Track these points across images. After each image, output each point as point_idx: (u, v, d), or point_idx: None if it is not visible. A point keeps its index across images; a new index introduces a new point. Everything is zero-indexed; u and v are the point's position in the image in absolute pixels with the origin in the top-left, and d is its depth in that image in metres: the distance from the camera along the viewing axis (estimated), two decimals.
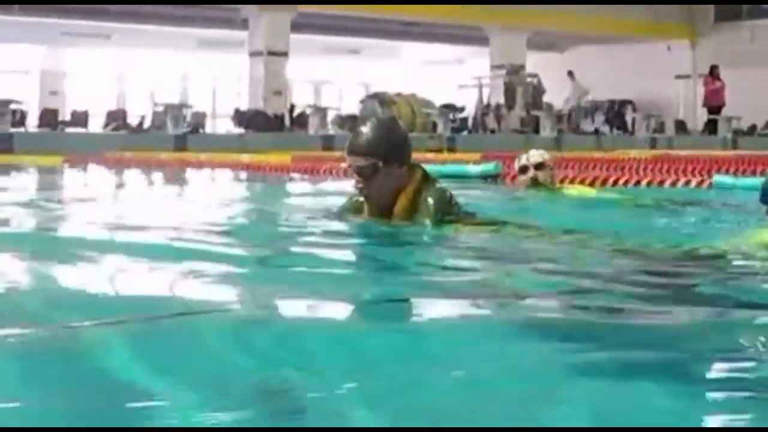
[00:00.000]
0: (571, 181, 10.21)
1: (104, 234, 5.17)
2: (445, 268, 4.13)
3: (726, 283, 3.76)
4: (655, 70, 36.63)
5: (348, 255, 4.60)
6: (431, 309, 3.13)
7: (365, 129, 5.09)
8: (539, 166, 7.53)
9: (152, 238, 4.89)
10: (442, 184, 5.25)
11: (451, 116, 28.55)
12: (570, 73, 33.66)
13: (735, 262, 4.15)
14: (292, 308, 3.06)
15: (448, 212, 5.05)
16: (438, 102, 30.33)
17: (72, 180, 13.30)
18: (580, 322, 2.96)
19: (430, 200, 5.01)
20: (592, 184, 9.94)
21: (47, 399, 2.07)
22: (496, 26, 32.94)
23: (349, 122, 27.12)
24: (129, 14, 30.49)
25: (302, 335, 2.67)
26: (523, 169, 7.51)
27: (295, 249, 4.63)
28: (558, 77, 34.11)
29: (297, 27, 29.45)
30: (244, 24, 29.87)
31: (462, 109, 31.66)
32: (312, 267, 3.99)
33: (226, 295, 3.27)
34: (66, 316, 2.84)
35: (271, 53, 28.67)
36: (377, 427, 2.02)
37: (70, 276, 3.61)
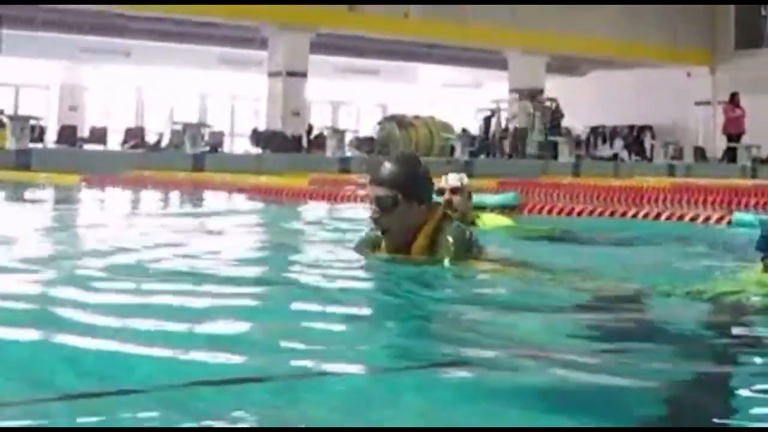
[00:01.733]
0: (590, 213, 10.18)
1: (119, 269, 5.10)
2: (463, 318, 4.06)
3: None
4: (675, 96, 36.58)
5: (363, 301, 4.50)
6: (449, 377, 3.05)
7: (390, 161, 5.08)
8: (455, 190, 7.46)
9: (161, 275, 4.85)
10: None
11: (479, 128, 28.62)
12: (520, 92, 32.76)
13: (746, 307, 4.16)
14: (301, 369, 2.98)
15: (468, 252, 5.01)
16: (456, 125, 30.32)
17: (88, 202, 13.28)
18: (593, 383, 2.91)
19: (450, 240, 4.96)
20: (612, 216, 9.90)
21: None
22: (516, 50, 32.92)
23: (367, 144, 27.15)
24: (148, 32, 30.56)
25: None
26: (440, 192, 7.43)
27: (309, 292, 4.55)
28: (578, 101, 34.13)
29: (316, 48, 29.47)
30: (263, 44, 29.91)
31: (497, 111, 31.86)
32: (326, 315, 3.92)
33: (228, 352, 3.18)
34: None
35: (290, 73, 28.69)
36: (378, 427, 1.98)
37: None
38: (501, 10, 31.69)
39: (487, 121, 32.25)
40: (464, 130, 30.03)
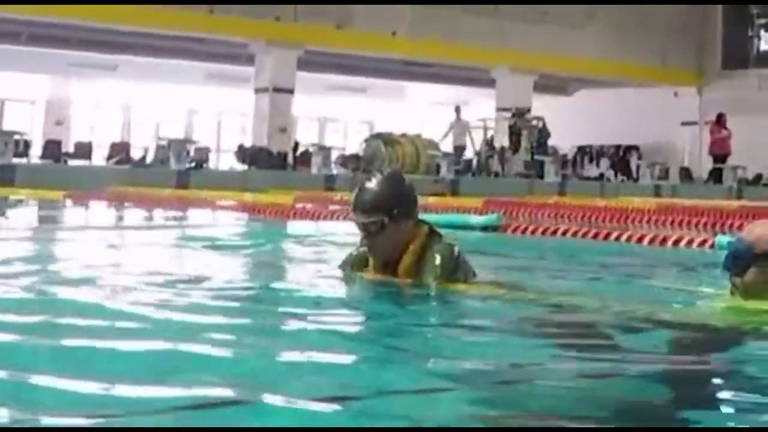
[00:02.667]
0: (574, 234, 10.15)
1: (96, 294, 5.03)
2: (449, 340, 4.03)
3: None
4: (662, 116, 36.60)
5: (348, 324, 4.46)
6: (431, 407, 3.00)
7: (371, 185, 5.04)
8: None
9: (140, 296, 4.79)
10: (448, 239, 5.17)
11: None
12: (457, 109, 32.94)
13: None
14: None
15: (455, 270, 5.00)
16: (442, 143, 30.35)
17: (71, 219, 13.20)
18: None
19: (438, 257, 4.96)
20: (596, 238, 9.87)
21: None
22: (504, 68, 32.90)
23: (353, 162, 27.09)
24: (136, 46, 30.48)
25: None
26: None
27: (293, 314, 4.50)
28: (565, 121, 34.15)
29: (303, 64, 29.45)
30: (250, 60, 29.87)
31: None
32: (309, 338, 3.89)
33: (210, 376, 3.13)
34: None
35: (277, 90, 28.65)
36: (377, 427, 1.95)
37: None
38: (489, 29, 31.74)
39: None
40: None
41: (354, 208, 5.05)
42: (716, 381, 3.48)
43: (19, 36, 28.58)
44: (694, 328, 4.25)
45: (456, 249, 5.08)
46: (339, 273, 5.33)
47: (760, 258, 4.39)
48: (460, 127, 32.28)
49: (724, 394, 3.23)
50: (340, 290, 5.17)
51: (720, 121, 32.22)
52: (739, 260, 4.41)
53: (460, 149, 31.56)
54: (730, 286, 4.51)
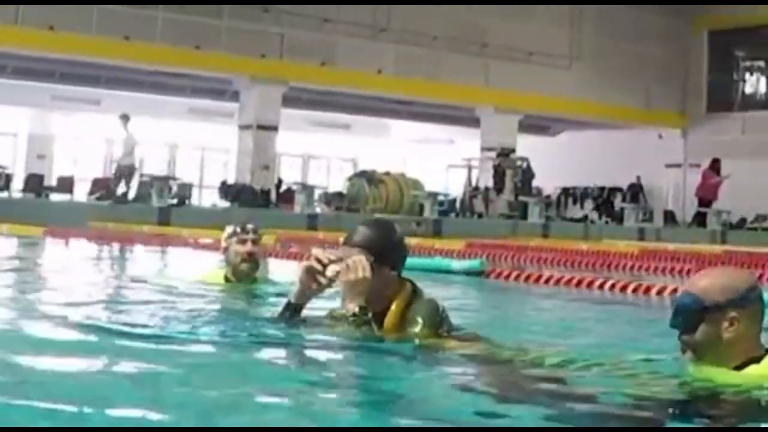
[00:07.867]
0: (557, 281, 10.06)
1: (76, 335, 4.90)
2: (423, 401, 3.91)
3: None
4: (646, 158, 36.67)
5: (327, 376, 4.35)
6: None
7: (365, 225, 5.06)
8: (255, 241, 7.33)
9: (120, 352, 4.66)
10: (431, 295, 5.09)
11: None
12: (124, 118, 26.10)
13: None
14: None
15: (439, 327, 4.92)
16: (426, 181, 30.29)
17: (48, 255, 13.06)
18: None
19: (420, 316, 4.89)
20: (578, 285, 9.78)
21: None
22: (488, 108, 32.90)
23: (336, 201, 27.02)
24: (120, 81, 30.40)
25: None
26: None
27: (269, 362, 4.48)
28: (549, 161, 34.18)
29: (288, 101, 29.40)
30: (234, 96, 29.83)
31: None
32: (288, 395, 3.75)
33: None
34: None
35: (261, 127, 28.55)
36: (376, 427, 1.83)
37: None
38: (474, 68, 31.83)
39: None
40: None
41: (344, 242, 5.03)
42: None
43: (3, 69, 28.49)
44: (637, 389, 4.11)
45: (440, 307, 5.03)
46: (320, 325, 5.21)
47: (710, 310, 4.18)
48: (127, 143, 26.11)
49: None
50: (318, 342, 5.06)
51: (714, 166, 32.17)
52: (688, 316, 4.22)
53: (127, 169, 25.60)
54: (680, 346, 4.31)
